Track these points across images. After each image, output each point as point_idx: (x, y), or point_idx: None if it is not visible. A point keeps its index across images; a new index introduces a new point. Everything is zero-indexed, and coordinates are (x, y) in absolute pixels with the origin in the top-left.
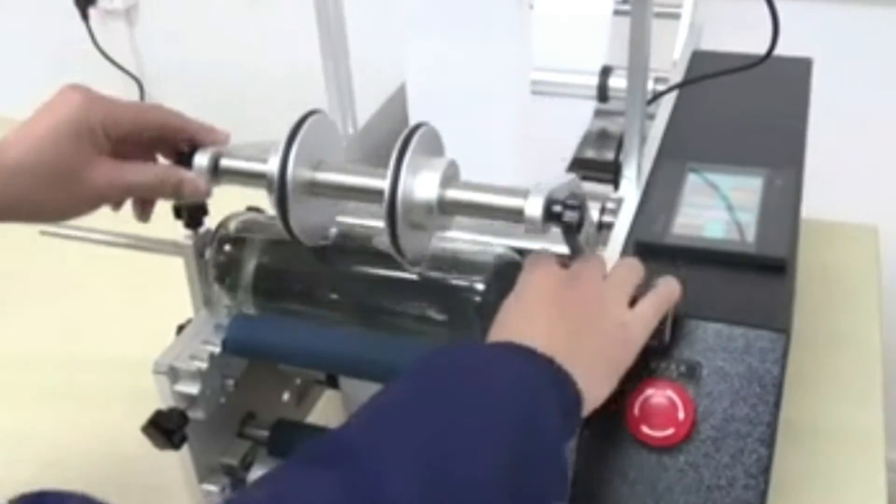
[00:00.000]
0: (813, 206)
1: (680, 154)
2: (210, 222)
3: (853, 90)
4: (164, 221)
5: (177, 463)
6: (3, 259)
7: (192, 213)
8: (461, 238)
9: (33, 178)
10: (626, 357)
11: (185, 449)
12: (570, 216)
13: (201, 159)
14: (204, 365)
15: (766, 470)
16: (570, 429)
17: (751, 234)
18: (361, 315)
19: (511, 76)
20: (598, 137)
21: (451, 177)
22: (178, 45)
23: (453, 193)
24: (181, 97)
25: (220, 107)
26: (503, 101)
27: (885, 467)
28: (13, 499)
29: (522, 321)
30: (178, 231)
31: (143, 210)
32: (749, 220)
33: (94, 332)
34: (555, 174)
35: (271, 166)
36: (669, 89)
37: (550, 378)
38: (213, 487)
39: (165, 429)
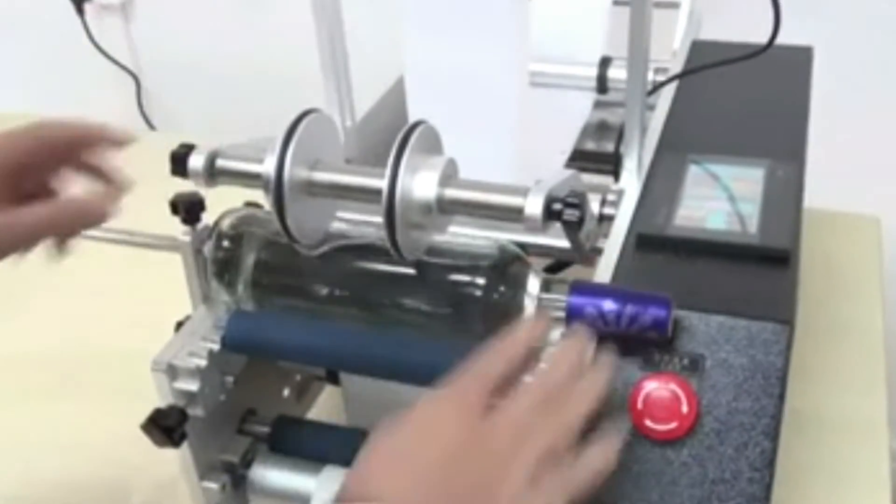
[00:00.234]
0: (815, 196)
1: (681, 145)
2: (208, 218)
3: (854, 79)
4: (162, 217)
5: (177, 460)
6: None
7: (189, 209)
8: (462, 232)
9: None
10: None
11: (185, 446)
12: (570, 214)
13: (197, 160)
14: (203, 362)
15: (770, 463)
16: None
17: (753, 226)
18: (362, 310)
19: (510, 67)
20: (598, 129)
21: (449, 175)
22: (174, 40)
23: (452, 192)
24: (177, 92)
25: (217, 101)
26: (502, 92)
27: (889, 456)
28: None
29: (384, 476)
30: (175, 227)
31: (61, 247)
32: (751, 211)
33: (92, 330)
34: (554, 167)
35: (268, 167)
36: (669, 80)
37: None
38: (213, 485)
39: (165, 426)
